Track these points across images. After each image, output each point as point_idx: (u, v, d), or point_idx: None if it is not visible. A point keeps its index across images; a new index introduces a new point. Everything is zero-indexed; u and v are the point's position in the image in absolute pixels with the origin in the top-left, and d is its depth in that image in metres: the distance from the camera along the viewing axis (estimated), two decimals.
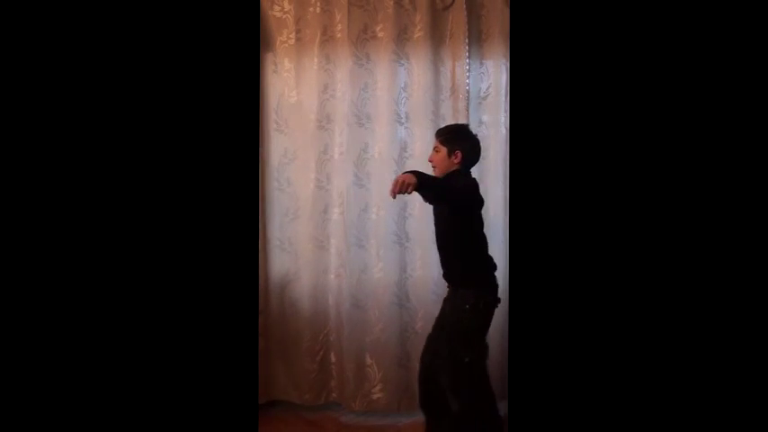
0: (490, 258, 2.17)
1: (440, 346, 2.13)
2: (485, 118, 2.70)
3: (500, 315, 2.66)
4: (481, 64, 2.69)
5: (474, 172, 2.67)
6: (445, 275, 2.17)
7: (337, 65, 2.66)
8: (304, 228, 2.71)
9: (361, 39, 2.65)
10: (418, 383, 2.26)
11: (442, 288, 2.68)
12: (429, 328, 2.68)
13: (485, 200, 2.67)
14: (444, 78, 2.66)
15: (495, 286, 2.13)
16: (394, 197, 1.85)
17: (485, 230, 2.68)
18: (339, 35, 2.65)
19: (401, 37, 2.64)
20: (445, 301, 2.21)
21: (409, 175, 1.84)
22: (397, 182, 1.82)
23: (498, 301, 2.14)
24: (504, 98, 2.66)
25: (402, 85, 2.68)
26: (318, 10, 2.64)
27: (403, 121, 2.67)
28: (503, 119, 2.67)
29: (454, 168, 2.11)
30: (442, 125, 2.64)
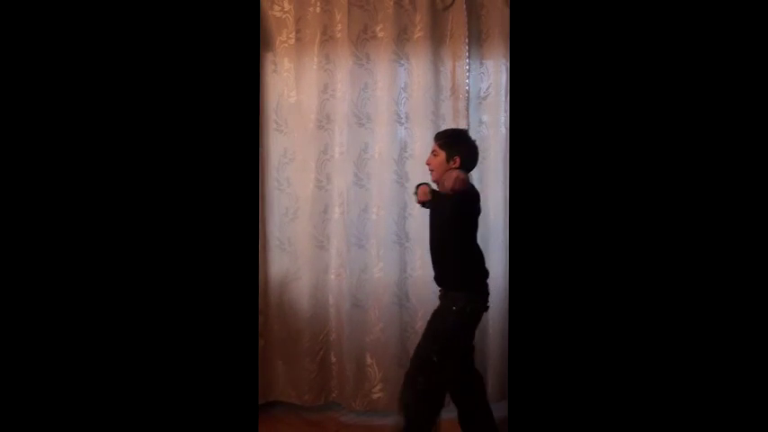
0: (484, 265, 2.17)
1: (419, 342, 2.14)
2: (485, 118, 2.70)
3: (500, 315, 2.68)
4: (481, 64, 2.69)
5: (474, 172, 2.69)
6: (436, 278, 2.17)
7: (337, 65, 2.66)
8: (304, 228, 2.71)
9: (361, 39, 2.65)
10: (402, 384, 2.23)
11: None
12: None
13: (485, 199, 2.69)
14: (444, 78, 2.67)
15: (487, 294, 2.13)
16: (454, 194, 1.92)
17: (485, 230, 2.71)
18: (339, 35, 2.65)
19: (401, 37, 2.64)
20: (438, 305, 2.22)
21: (457, 172, 1.91)
22: (451, 177, 1.89)
23: (486, 308, 2.14)
24: (504, 98, 2.67)
25: (402, 85, 2.68)
26: (318, 10, 2.64)
27: (403, 121, 2.67)
28: (503, 119, 2.67)
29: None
30: (442, 125, 2.65)
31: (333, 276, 2.71)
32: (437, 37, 2.65)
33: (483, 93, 2.69)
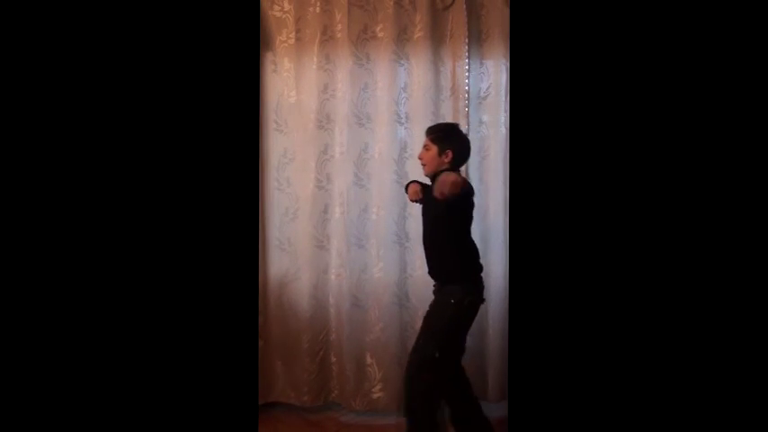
0: (478, 259, 2.17)
1: (417, 338, 2.13)
2: (485, 118, 2.70)
3: (500, 315, 2.68)
4: (481, 64, 2.69)
5: (474, 172, 2.69)
6: (431, 272, 2.17)
7: (337, 65, 2.66)
8: (304, 228, 2.71)
9: (361, 39, 2.65)
10: (403, 383, 2.22)
11: None
12: None
13: (485, 199, 2.70)
14: (444, 78, 2.67)
15: (482, 287, 2.13)
16: (447, 200, 1.88)
17: (485, 230, 2.71)
18: (339, 35, 2.65)
19: (401, 37, 2.64)
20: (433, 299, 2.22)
21: (455, 174, 1.89)
22: (447, 182, 1.85)
23: (483, 300, 2.14)
24: (504, 98, 2.67)
25: (402, 85, 2.68)
26: (318, 10, 2.64)
27: (403, 121, 2.67)
28: (503, 119, 2.67)
29: (444, 167, 2.11)
30: None
31: (333, 276, 2.71)
32: (437, 37, 2.65)
33: (483, 93, 2.69)
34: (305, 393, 2.72)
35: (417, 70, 2.65)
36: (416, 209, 2.62)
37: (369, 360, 2.70)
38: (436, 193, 1.88)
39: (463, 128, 2.63)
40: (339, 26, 2.64)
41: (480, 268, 2.16)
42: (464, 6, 2.62)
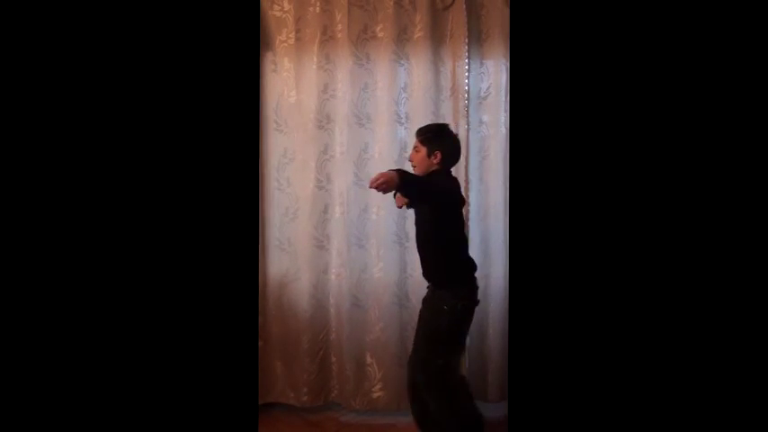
0: (470, 259, 2.17)
1: (417, 346, 2.13)
2: (485, 118, 2.70)
3: (500, 315, 2.68)
4: (481, 64, 2.69)
5: (474, 172, 2.69)
6: (425, 275, 2.17)
7: (337, 65, 2.66)
8: (304, 228, 2.71)
9: (361, 39, 2.65)
10: (408, 389, 2.24)
11: None
12: None
13: (485, 199, 2.70)
14: (444, 78, 2.66)
15: (475, 288, 2.13)
16: (370, 187, 1.80)
17: (485, 230, 2.71)
18: (339, 35, 2.65)
19: (401, 37, 2.64)
20: (424, 301, 2.22)
21: (393, 172, 1.81)
22: (377, 178, 1.76)
23: (477, 302, 2.14)
24: (504, 98, 2.67)
25: (402, 86, 2.68)
26: (318, 10, 2.64)
27: (403, 121, 2.67)
28: (503, 119, 2.67)
29: (434, 168, 2.11)
30: None
31: (333, 276, 2.71)
32: (437, 37, 2.65)
33: (483, 93, 2.69)
34: (305, 393, 2.72)
35: (417, 70, 2.65)
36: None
37: (369, 360, 2.70)
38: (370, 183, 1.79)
39: (463, 128, 2.64)
40: (339, 26, 2.64)
41: (473, 269, 2.15)
42: (464, 6, 2.62)
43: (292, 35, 2.67)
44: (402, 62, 2.66)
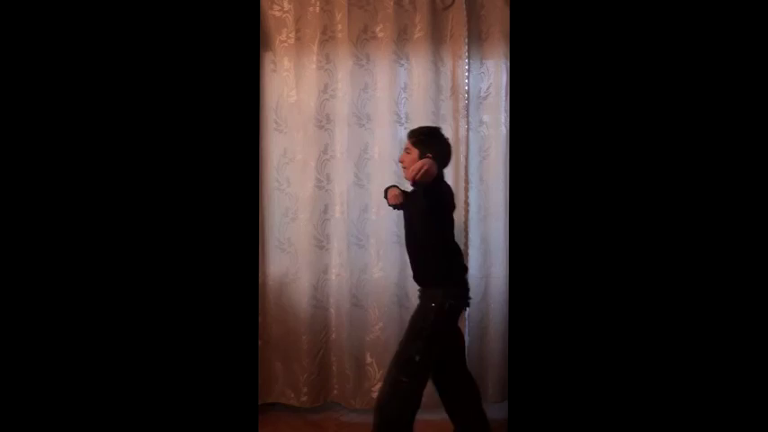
0: (461, 261, 2.16)
1: (402, 345, 2.12)
2: (485, 118, 2.70)
3: (500, 316, 2.68)
4: (481, 64, 2.69)
5: (474, 172, 2.69)
6: (415, 276, 2.17)
7: (337, 65, 2.66)
8: (304, 228, 2.71)
9: (361, 39, 2.65)
10: (383, 381, 2.21)
11: None
12: None
13: (485, 199, 2.70)
14: (444, 78, 2.66)
15: (467, 289, 2.13)
16: (413, 181, 1.85)
17: (485, 230, 2.71)
18: (339, 35, 2.65)
19: (401, 37, 2.64)
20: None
21: (431, 161, 1.81)
22: (420, 168, 1.77)
23: (467, 304, 2.13)
24: (504, 98, 2.66)
25: (402, 86, 2.68)
26: (318, 10, 2.64)
27: (403, 121, 2.67)
28: (503, 119, 2.67)
29: None
30: (443, 125, 2.64)
31: (333, 276, 2.71)
32: (437, 37, 2.65)
33: (483, 93, 2.69)
34: (305, 393, 2.72)
35: (417, 70, 2.65)
36: None
37: (369, 359, 2.70)
38: (408, 176, 1.84)
39: (463, 128, 2.64)
40: (339, 26, 2.64)
41: (465, 270, 2.15)
42: (464, 6, 2.62)
43: (292, 35, 2.67)
44: (402, 62, 2.66)
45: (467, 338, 2.70)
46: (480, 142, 2.70)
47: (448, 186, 2.10)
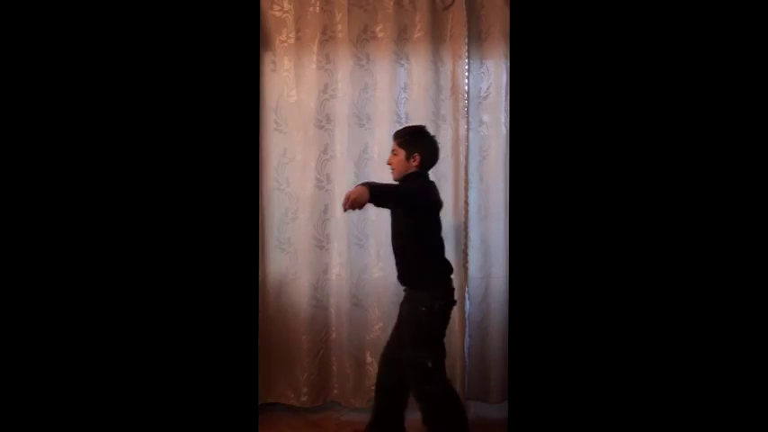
0: (446, 261, 2.15)
1: (403, 353, 2.12)
2: (485, 118, 2.70)
3: (500, 316, 2.67)
4: (481, 64, 2.69)
5: (474, 172, 2.69)
6: (400, 278, 2.16)
7: (337, 65, 2.66)
8: (304, 228, 2.71)
9: (361, 39, 2.65)
10: (375, 392, 2.24)
11: None
12: None
13: (485, 199, 2.69)
14: (444, 78, 2.66)
15: (451, 289, 2.13)
16: (345, 210, 1.85)
17: (485, 230, 2.71)
18: (339, 35, 2.64)
19: (401, 37, 2.64)
20: (401, 305, 2.21)
21: (361, 188, 1.83)
22: (348, 198, 1.81)
23: (454, 303, 2.13)
24: (504, 98, 2.66)
25: (402, 86, 2.68)
26: (318, 10, 2.64)
27: (403, 121, 2.66)
28: (503, 119, 2.67)
29: (412, 171, 2.11)
30: (442, 125, 2.65)
31: (333, 276, 2.71)
32: (437, 37, 2.65)
33: (483, 93, 2.69)
34: (305, 393, 2.72)
35: (417, 70, 2.64)
36: None
37: (369, 359, 2.70)
38: (344, 203, 1.83)
39: (463, 128, 2.64)
40: (339, 26, 2.64)
41: (450, 271, 2.14)
42: (464, 6, 2.61)
43: (292, 35, 2.67)
44: (402, 62, 2.66)
45: (467, 339, 2.71)
46: (480, 142, 2.70)
47: (430, 183, 2.09)
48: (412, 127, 2.25)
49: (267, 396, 2.75)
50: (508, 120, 2.64)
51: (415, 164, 2.10)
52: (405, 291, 2.16)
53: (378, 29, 2.65)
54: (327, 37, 2.66)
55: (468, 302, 2.70)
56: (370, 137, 2.68)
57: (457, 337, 2.65)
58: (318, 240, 2.71)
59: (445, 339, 2.61)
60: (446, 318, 2.11)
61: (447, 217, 2.66)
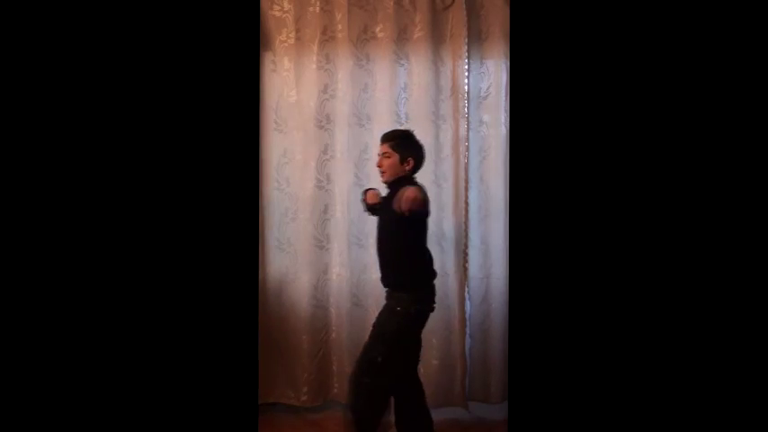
0: (430, 266, 2.15)
1: (366, 346, 2.13)
2: (485, 118, 2.70)
3: (500, 317, 2.67)
4: (481, 64, 2.69)
5: (474, 172, 2.69)
6: (383, 279, 2.16)
7: (337, 65, 2.66)
8: (304, 228, 2.71)
9: (361, 39, 2.65)
10: (348, 381, 2.24)
11: (441, 287, 2.66)
12: (428, 327, 2.65)
13: (485, 199, 2.70)
14: (444, 78, 2.66)
15: (433, 294, 2.12)
16: (408, 214, 1.87)
17: (485, 231, 2.71)
18: (339, 35, 2.64)
19: (401, 37, 2.64)
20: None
21: (414, 190, 1.85)
22: (409, 198, 1.83)
23: (432, 308, 2.12)
24: (504, 98, 2.66)
25: (402, 86, 2.68)
26: (318, 10, 2.64)
27: (403, 121, 2.67)
28: (503, 119, 2.67)
29: (403, 175, 2.10)
30: (443, 125, 2.65)
31: (333, 276, 2.71)
32: (437, 37, 2.65)
33: (483, 93, 2.69)
34: (305, 393, 2.72)
35: (417, 70, 2.64)
36: None
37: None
38: (396, 206, 1.87)
39: (463, 128, 2.64)
40: (339, 26, 2.64)
41: (433, 275, 2.14)
42: (464, 6, 2.61)
43: (292, 35, 2.67)
44: (402, 62, 2.66)
45: (468, 340, 2.71)
46: (480, 142, 2.70)
47: (424, 194, 2.08)
48: (400, 130, 2.23)
49: (267, 396, 2.75)
50: (508, 120, 2.64)
51: (408, 168, 2.10)
52: (386, 292, 2.16)
53: (378, 29, 2.65)
54: (327, 37, 2.66)
55: (468, 303, 2.70)
56: (369, 137, 2.68)
57: (457, 337, 2.66)
58: (318, 240, 2.71)
59: (445, 340, 2.62)
60: (421, 322, 2.11)
61: (447, 217, 2.66)
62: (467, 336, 2.68)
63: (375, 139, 2.66)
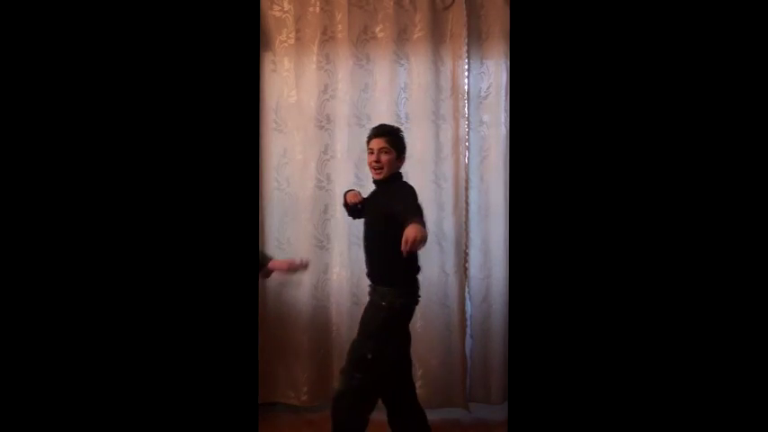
0: (416, 261, 2.13)
1: (353, 344, 2.12)
2: (485, 118, 2.70)
3: (501, 317, 2.68)
4: (481, 64, 2.69)
5: (474, 172, 2.69)
6: (368, 274, 2.16)
7: (337, 65, 2.66)
8: (304, 228, 2.71)
9: (361, 39, 2.65)
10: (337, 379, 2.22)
11: (441, 288, 2.68)
12: (428, 327, 2.68)
13: (485, 199, 2.70)
14: (444, 78, 2.66)
15: (417, 288, 2.12)
16: (406, 255, 1.75)
17: (485, 231, 2.71)
18: (339, 35, 2.65)
19: (401, 37, 2.64)
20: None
21: (418, 227, 1.71)
22: (407, 240, 1.69)
23: (417, 302, 2.12)
24: (504, 98, 2.66)
25: (402, 86, 2.68)
26: (318, 10, 2.64)
27: (403, 121, 2.67)
28: (503, 119, 2.67)
29: (396, 171, 2.10)
30: (443, 125, 2.65)
31: (333, 276, 2.71)
32: (437, 37, 2.65)
33: (483, 93, 2.69)
34: (305, 393, 2.72)
35: (417, 70, 2.65)
36: None
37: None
38: (403, 248, 1.71)
39: (463, 128, 2.65)
40: (339, 26, 2.64)
41: (417, 269, 2.13)
42: (464, 6, 2.62)
43: (292, 35, 2.67)
44: (402, 62, 2.66)
45: (468, 340, 2.71)
46: (480, 142, 2.70)
47: (410, 188, 2.08)
48: (391, 125, 2.19)
49: (267, 396, 2.75)
50: (508, 120, 2.64)
51: (400, 164, 2.10)
52: (369, 287, 2.15)
53: (378, 29, 2.65)
54: (327, 37, 2.66)
55: (468, 303, 2.70)
56: None
57: (457, 338, 2.66)
58: (318, 240, 2.71)
59: (445, 340, 2.62)
60: (407, 315, 2.10)
61: (447, 217, 2.66)
62: (467, 336, 2.69)
63: None
